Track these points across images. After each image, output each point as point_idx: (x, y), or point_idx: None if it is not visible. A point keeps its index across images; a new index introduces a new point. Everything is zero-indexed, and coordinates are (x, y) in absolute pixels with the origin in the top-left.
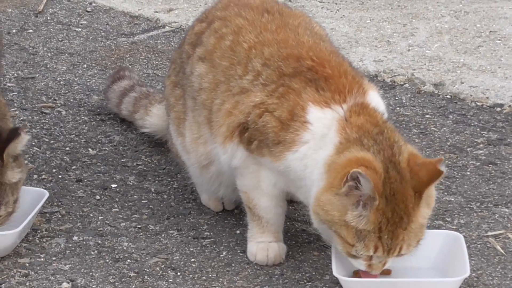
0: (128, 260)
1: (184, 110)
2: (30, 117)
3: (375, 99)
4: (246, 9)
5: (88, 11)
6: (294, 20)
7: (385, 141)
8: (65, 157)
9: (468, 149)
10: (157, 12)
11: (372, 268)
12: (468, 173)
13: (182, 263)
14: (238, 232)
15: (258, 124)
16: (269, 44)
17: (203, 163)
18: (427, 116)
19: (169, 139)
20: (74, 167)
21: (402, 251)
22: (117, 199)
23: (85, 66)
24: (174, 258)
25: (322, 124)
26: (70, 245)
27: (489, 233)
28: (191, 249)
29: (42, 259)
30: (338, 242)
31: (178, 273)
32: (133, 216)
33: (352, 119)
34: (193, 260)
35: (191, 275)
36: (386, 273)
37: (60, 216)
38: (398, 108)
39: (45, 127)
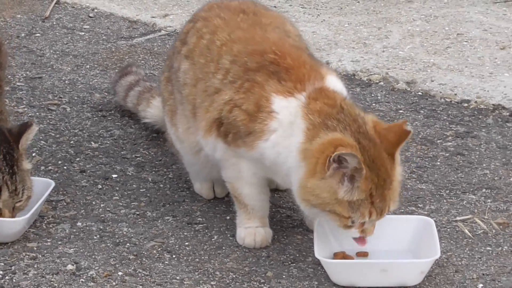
0: (128, 244)
1: (175, 103)
2: (37, 113)
3: (333, 82)
4: (225, 10)
5: (90, 17)
6: (267, 19)
7: (348, 117)
8: (69, 150)
9: (438, 141)
10: (153, 17)
11: (366, 232)
12: (438, 163)
13: (177, 246)
14: (228, 218)
15: (230, 119)
16: (238, 41)
17: (194, 150)
18: (401, 111)
19: (165, 129)
20: (78, 159)
21: (390, 208)
22: (117, 188)
23: (88, 66)
24: (170, 242)
25: (288, 112)
26: (75, 230)
27: (458, 218)
28: (185, 234)
29: (48, 244)
30: (334, 219)
31: (173, 256)
32: (132, 203)
33: (311, 105)
34: (187, 243)
35: (185, 257)
36: (364, 255)
37: (65, 204)
38: (374, 104)
39: (51, 122)
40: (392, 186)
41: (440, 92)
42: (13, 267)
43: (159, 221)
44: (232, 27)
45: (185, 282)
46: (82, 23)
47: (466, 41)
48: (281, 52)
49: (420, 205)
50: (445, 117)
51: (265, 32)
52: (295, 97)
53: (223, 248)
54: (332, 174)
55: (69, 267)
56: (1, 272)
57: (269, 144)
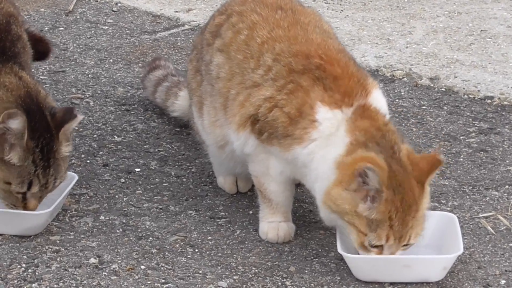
0: (150, 238)
1: (204, 94)
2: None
3: (377, 99)
4: (262, 5)
5: (114, 11)
6: (305, 18)
7: (387, 143)
8: (93, 143)
9: (461, 137)
10: (177, 12)
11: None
12: (461, 159)
13: (199, 240)
14: (251, 212)
15: (268, 118)
16: (280, 40)
17: (219, 144)
18: (424, 107)
19: (191, 119)
20: (101, 152)
21: (411, 239)
22: (140, 182)
23: (111, 61)
24: (192, 236)
25: (331, 124)
26: (97, 224)
27: (481, 215)
28: (208, 228)
29: (71, 237)
30: (352, 231)
31: (196, 250)
32: (155, 197)
33: (357, 122)
34: (209, 238)
35: (207, 252)
36: None
37: (88, 197)
38: (397, 100)
39: None
40: (417, 214)
41: (464, 89)
42: (36, 260)
43: (182, 215)
44: (272, 24)
45: (207, 276)
46: (105, 17)
47: (489, 38)
48: (327, 57)
49: (443, 201)
50: (468, 114)
51: (306, 32)
52: (342, 110)
53: (246, 242)
54: (355, 188)
55: (92, 260)
56: (24, 265)
57: (306, 151)
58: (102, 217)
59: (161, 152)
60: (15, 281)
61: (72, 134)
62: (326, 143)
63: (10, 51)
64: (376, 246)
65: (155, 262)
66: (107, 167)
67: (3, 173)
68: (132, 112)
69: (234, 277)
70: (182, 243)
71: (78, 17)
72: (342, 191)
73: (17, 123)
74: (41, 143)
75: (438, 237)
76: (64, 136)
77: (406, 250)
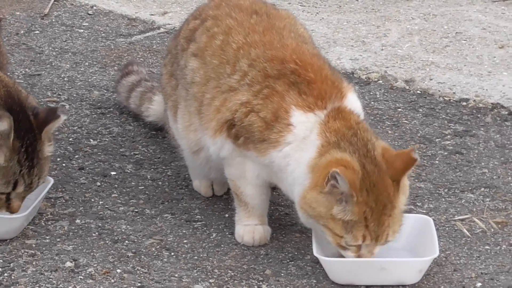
0: (126, 241)
1: (178, 99)
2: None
3: (351, 101)
4: (236, 9)
5: (89, 14)
6: (280, 22)
7: (359, 141)
8: (68, 147)
9: (437, 140)
10: (152, 15)
11: (362, 257)
12: (437, 161)
13: (175, 244)
14: (226, 215)
15: (244, 122)
16: (255, 45)
17: (193, 149)
18: (399, 110)
19: (166, 123)
20: (76, 156)
21: (389, 238)
22: (116, 185)
23: (87, 64)
24: (168, 239)
25: (305, 127)
26: (73, 227)
27: (456, 217)
28: (184, 231)
29: (47, 241)
30: (328, 234)
31: (172, 253)
32: (131, 201)
33: (329, 123)
34: (185, 241)
35: (183, 255)
36: None
37: (64, 201)
38: (372, 103)
39: None
40: (393, 213)
41: (439, 91)
42: (11, 264)
43: (158, 218)
44: (247, 29)
45: (183, 280)
46: (81, 21)
47: (464, 40)
48: (302, 61)
49: (418, 204)
50: (443, 116)
51: (282, 37)
52: (315, 113)
53: (222, 245)
54: (330, 191)
55: (68, 264)
56: (0, 269)
57: (281, 155)
58: (78, 221)
59: (136, 156)
60: None
61: (54, 135)
62: (300, 146)
63: None
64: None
65: (131, 265)
66: (82, 171)
67: None
68: (108, 116)
69: (210, 280)
70: (158, 247)
71: (53, 20)
72: (317, 195)
73: (3, 125)
74: (26, 143)
75: (414, 240)
76: (46, 136)
77: (382, 251)
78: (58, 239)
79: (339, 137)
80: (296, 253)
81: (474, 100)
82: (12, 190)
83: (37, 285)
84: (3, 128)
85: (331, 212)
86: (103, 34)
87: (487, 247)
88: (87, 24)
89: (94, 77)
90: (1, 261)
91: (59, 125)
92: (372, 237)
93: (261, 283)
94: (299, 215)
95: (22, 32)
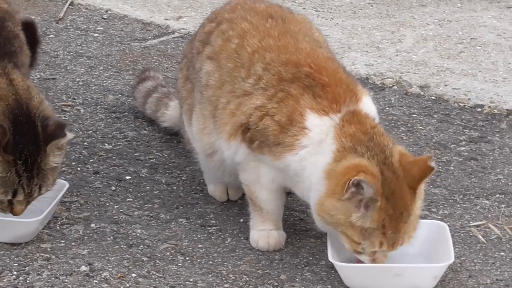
0: (141, 246)
1: (194, 102)
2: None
3: (367, 105)
4: (252, 13)
5: (104, 18)
6: (295, 26)
7: (377, 147)
8: (83, 151)
9: (452, 145)
10: (167, 19)
11: (376, 261)
12: (452, 168)
13: (190, 248)
14: (241, 220)
15: (259, 126)
16: (270, 49)
17: (207, 152)
18: (414, 115)
19: (182, 127)
20: (91, 160)
21: (404, 243)
22: (131, 189)
23: (101, 68)
24: (183, 244)
25: (320, 130)
26: (88, 231)
27: (472, 223)
28: (199, 236)
29: (62, 244)
30: (345, 241)
31: (187, 258)
32: (146, 205)
33: (345, 128)
34: (200, 246)
35: (198, 260)
36: None
37: (79, 205)
38: (387, 108)
39: None
40: (409, 220)
41: (454, 97)
42: (27, 268)
43: (173, 223)
44: (262, 33)
45: (198, 285)
46: (95, 25)
47: (479, 46)
48: (316, 65)
49: (433, 210)
50: (458, 122)
51: (296, 41)
52: (330, 117)
53: (237, 250)
54: (349, 198)
55: (83, 268)
56: (15, 273)
57: (297, 158)
58: (92, 225)
59: (151, 160)
60: None
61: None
62: (316, 150)
63: (5, 48)
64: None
65: (146, 270)
66: (97, 175)
67: None
68: (123, 120)
69: (225, 285)
70: (173, 251)
71: (68, 24)
72: (336, 202)
73: None
74: (25, 155)
75: (429, 246)
76: (52, 149)
77: (397, 257)
78: (73, 243)
79: (355, 142)
80: (311, 258)
81: (489, 106)
82: (12, 198)
83: None
84: None
85: (350, 219)
86: (117, 39)
87: (502, 253)
88: (101, 28)
89: (109, 81)
90: (16, 264)
91: (65, 142)
92: (388, 243)
93: None
94: (315, 220)
95: None
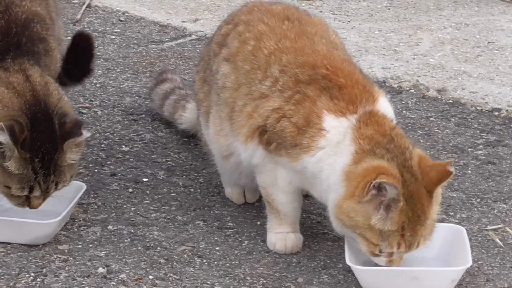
0: (158, 248)
1: (210, 104)
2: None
3: (383, 105)
4: (268, 15)
5: (121, 20)
6: (312, 28)
7: (396, 149)
8: (100, 153)
9: (469, 149)
10: (184, 22)
11: (392, 263)
12: (469, 171)
13: (207, 251)
14: (258, 223)
15: (276, 128)
16: (287, 51)
17: (224, 154)
18: (431, 119)
19: (199, 130)
20: (108, 162)
21: (420, 245)
22: (148, 192)
23: (118, 70)
24: (200, 246)
25: (337, 132)
26: (105, 233)
27: (489, 227)
28: (216, 238)
29: (80, 246)
30: (362, 243)
31: (204, 260)
32: (163, 207)
33: (362, 129)
34: (217, 248)
35: (215, 262)
36: None
37: (96, 207)
38: (404, 112)
39: None
40: (426, 223)
41: (471, 100)
42: (44, 269)
43: (190, 225)
44: (279, 35)
45: (215, 287)
46: (112, 27)
47: (497, 50)
48: (333, 67)
49: (451, 213)
50: (476, 126)
51: (313, 43)
52: (347, 118)
53: (254, 253)
54: (369, 200)
55: (100, 270)
56: (32, 274)
57: (314, 160)
58: (110, 227)
59: (168, 162)
60: None
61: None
62: (334, 151)
63: (26, 46)
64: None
65: (163, 272)
66: (115, 177)
67: (3, 177)
68: (140, 122)
69: None
70: (190, 253)
71: (85, 26)
72: (355, 204)
73: (3, 138)
74: (42, 153)
75: (447, 250)
76: (69, 146)
77: (414, 260)
78: (91, 245)
79: (374, 144)
80: (328, 261)
81: (507, 110)
82: (29, 194)
83: None
84: (3, 140)
85: (370, 221)
86: (134, 41)
87: None
88: (119, 30)
89: (126, 84)
90: (34, 266)
91: (82, 141)
92: (406, 245)
93: None
94: (333, 222)
95: None
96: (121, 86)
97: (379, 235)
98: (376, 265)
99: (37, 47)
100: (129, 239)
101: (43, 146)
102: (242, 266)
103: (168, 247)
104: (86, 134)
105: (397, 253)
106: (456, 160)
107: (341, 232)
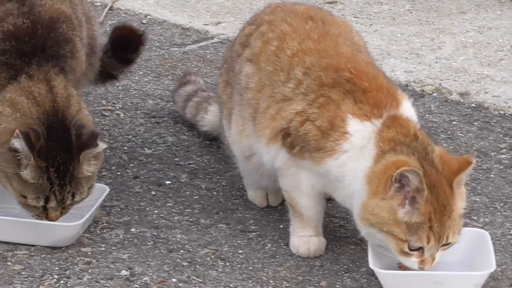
0: (181, 251)
1: (233, 105)
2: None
3: (407, 109)
4: (292, 15)
5: (143, 23)
6: (335, 29)
7: (417, 145)
8: (123, 155)
9: (492, 153)
10: (206, 24)
11: (424, 263)
12: (492, 175)
13: (230, 254)
14: (281, 226)
15: (300, 131)
16: (310, 53)
17: (246, 154)
18: (454, 123)
19: (222, 133)
20: (131, 165)
21: (449, 239)
22: (170, 194)
23: (141, 73)
24: (223, 249)
25: (362, 136)
26: (128, 236)
27: None
28: (239, 241)
29: (103, 249)
30: (391, 242)
31: (227, 263)
32: (186, 210)
33: (385, 132)
34: (240, 251)
35: (238, 265)
36: None
37: (119, 209)
38: (427, 115)
39: (105, 128)
40: (452, 215)
41: (494, 104)
42: (67, 272)
43: (213, 228)
44: (302, 35)
45: None
46: None
47: None
48: (357, 70)
49: (474, 217)
50: (499, 130)
51: (337, 45)
52: (372, 122)
53: (277, 256)
54: (393, 195)
55: (123, 272)
56: (56, 276)
57: (338, 163)
58: (133, 229)
59: (191, 165)
60: None
61: (103, 152)
62: (357, 156)
63: (51, 50)
64: (416, 249)
65: (186, 275)
66: (137, 179)
67: (19, 186)
68: (162, 125)
69: None
70: (213, 256)
71: (108, 29)
72: (379, 201)
73: (19, 144)
74: (57, 163)
75: (470, 254)
76: (85, 158)
77: (438, 265)
78: (114, 247)
79: (395, 143)
80: (351, 265)
81: None
82: (45, 204)
83: None
84: (19, 147)
85: (396, 216)
86: (157, 44)
87: None
88: None
89: (149, 86)
90: (57, 268)
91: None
92: (435, 238)
93: None
94: (359, 227)
95: None
96: (144, 89)
97: (406, 229)
98: (401, 269)
99: (63, 49)
100: (152, 242)
101: (58, 155)
102: (265, 269)
103: (191, 250)
104: (102, 145)
105: (427, 250)
106: (479, 164)
107: (368, 236)
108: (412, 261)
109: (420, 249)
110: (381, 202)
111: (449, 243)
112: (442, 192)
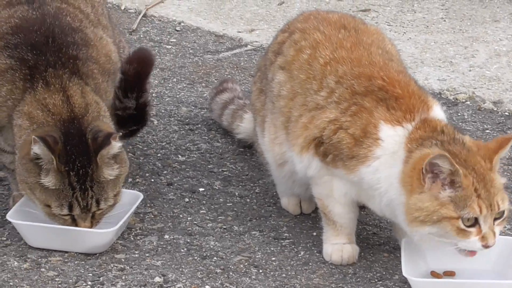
0: (215, 258)
1: (266, 113)
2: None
3: (438, 113)
4: (325, 23)
5: (177, 30)
6: (368, 38)
7: (446, 136)
8: (157, 162)
9: None
10: (240, 32)
11: (486, 238)
12: None
13: (263, 261)
14: (314, 234)
15: (333, 140)
16: (343, 62)
17: (278, 162)
18: (487, 131)
19: (255, 140)
20: (165, 172)
21: (500, 206)
22: (204, 201)
23: (174, 80)
24: (257, 256)
25: (393, 141)
26: (162, 243)
27: None
28: (272, 249)
29: (136, 255)
30: (446, 226)
31: (260, 270)
32: (219, 217)
33: (412, 134)
34: (273, 258)
35: (272, 272)
36: (450, 274)
37: (152, 216)
38: (460, 124)
39: (139, 135)
40: (494, 183)
41: None
42: (101, 278)
43: (246, 235)
44: (335, 44)
45: None
46: (169, 37)
47: None
48: (389, 78)
49: (507, 226)
50: None
51: (370, 54)
52: (403, 126)
53: (310, 264)
54: (430, 187)
55: (157, 279)
56: (89, 283)
57: (371, 170)
58: (166, 236)
59: (225, 172)
60: None
61: (125, 157)
62: (390, 162)
63: (68, 54)
64: (472, 225)
65: (219, 282)
66: (171, 186)
67: (42, 196)
68: (196, 132)
69: None
70: (246, 264)
71: (141, 36)
72: (418, 195)
73: (39, 150)
74: (77, 167)
75: (503, 262)
76: (103, 160)
77: (470, 273)
78: (147, 254)
79: (422, 140)
80: (384, 272)
81: None
82: (69, 212)
83: None
84: (39, 152)
85: (440, 200)
86: (190, 51)
87: None
88: (174, 40)
89: (182, 93)
90: (91, 275)
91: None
92: (486, 205)
93: None
94: (411, 234)
95: None
96: (177, 96)
97: (455, 206)
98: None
99: (82, 52)
100: (185, 249)
101: (77, 159)
102: (298, 276)
103: (224, 257)
104: (116, 144)
105: (484, 223)
106: None
107: (424, 239)
108: (473, 241)
109: (476, 224)
110: (421, 196)
111: (502, 213)
112: (478, 164)
